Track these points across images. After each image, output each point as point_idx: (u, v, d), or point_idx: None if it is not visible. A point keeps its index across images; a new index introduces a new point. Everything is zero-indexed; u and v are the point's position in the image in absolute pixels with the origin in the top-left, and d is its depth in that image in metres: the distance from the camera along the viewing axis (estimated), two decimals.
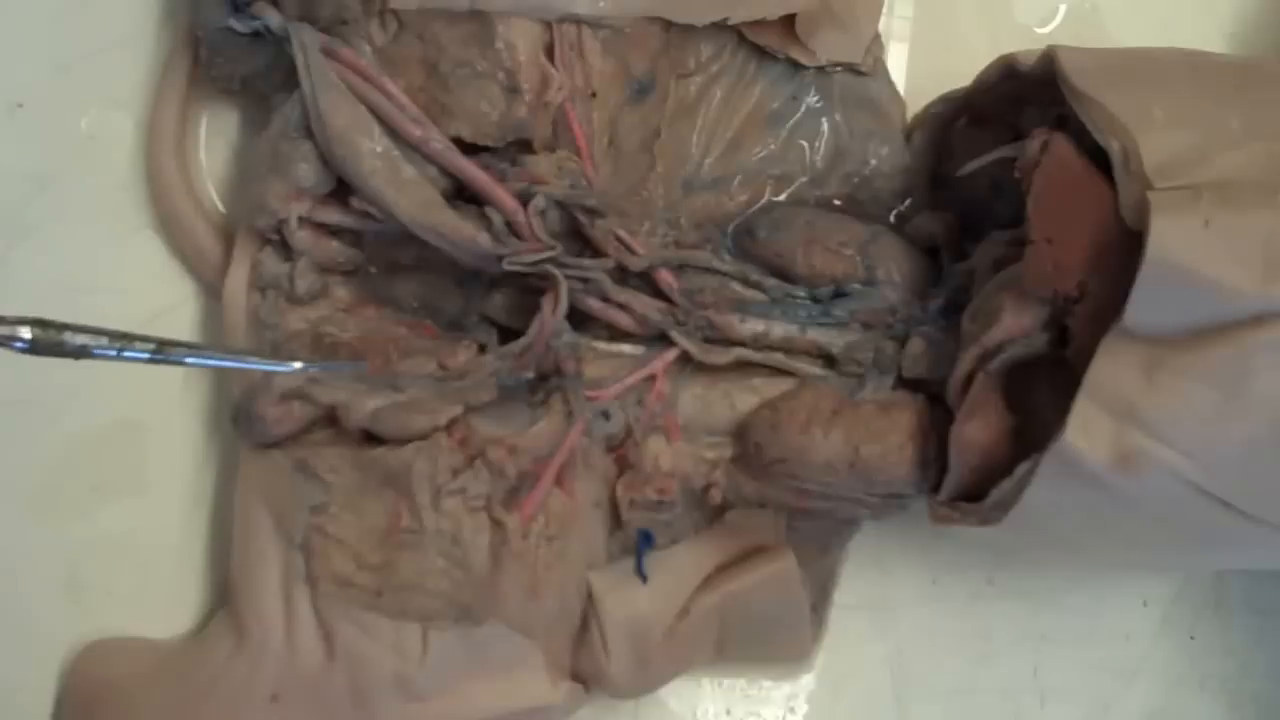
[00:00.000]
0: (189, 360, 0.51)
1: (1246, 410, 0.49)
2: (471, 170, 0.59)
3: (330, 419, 0.58)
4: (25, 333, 0.46)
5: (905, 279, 0.63)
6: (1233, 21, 0.74)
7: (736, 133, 0.65)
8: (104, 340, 0.47)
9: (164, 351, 0.49)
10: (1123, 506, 0.52)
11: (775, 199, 0.65)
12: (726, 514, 0.62)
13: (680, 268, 0.62)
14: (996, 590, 0.71)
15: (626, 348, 0.62)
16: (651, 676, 0.63)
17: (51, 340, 0.47)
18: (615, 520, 0.61)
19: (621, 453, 0.61)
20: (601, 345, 0.62)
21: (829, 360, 0.62)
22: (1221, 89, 0.56)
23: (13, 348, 0.46)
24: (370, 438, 0.58)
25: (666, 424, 0.61)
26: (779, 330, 0.62)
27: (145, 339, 0.49)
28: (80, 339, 0.47)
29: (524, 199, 0.59)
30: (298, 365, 0.56)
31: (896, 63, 0.70)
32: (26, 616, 0.62)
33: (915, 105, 0.66)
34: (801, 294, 0.63)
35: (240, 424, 0.58)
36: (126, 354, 0.48)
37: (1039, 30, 0.73)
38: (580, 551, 0.60)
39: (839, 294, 0.63)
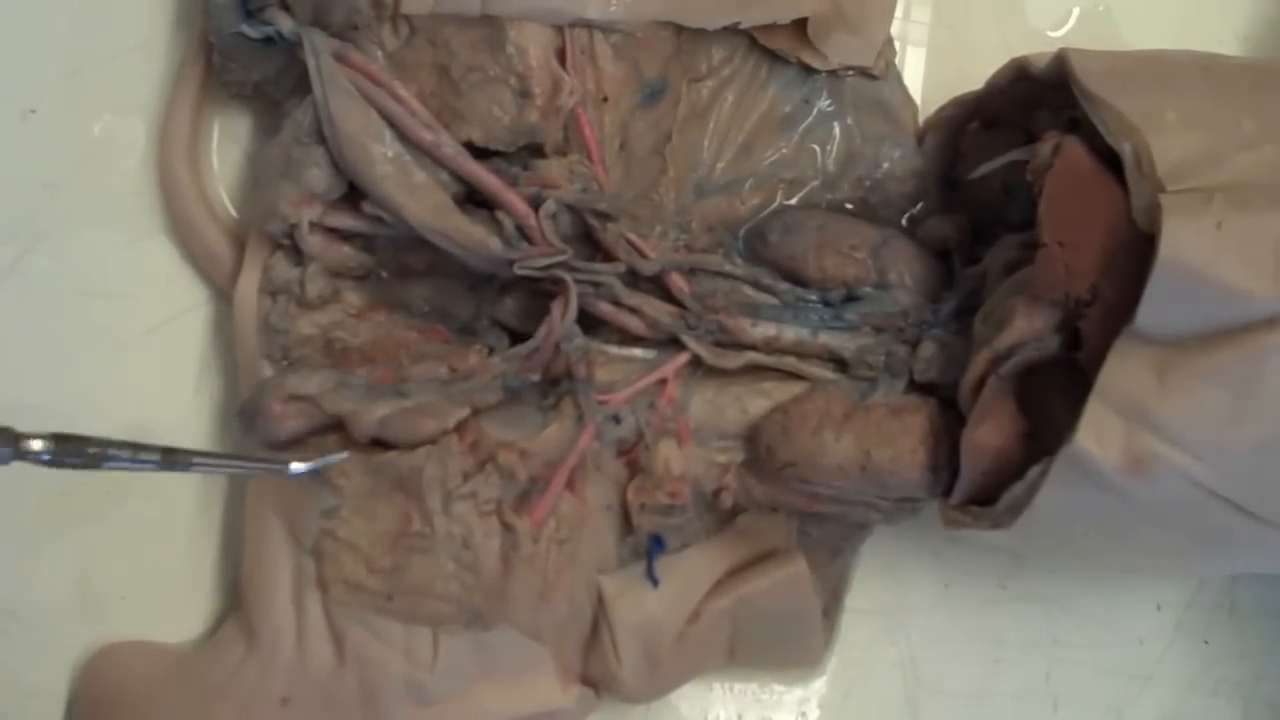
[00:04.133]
0: (196, 464, 0.55)
1: (1258, 413, 0.49)
2: (483, 175, 0.59)
3: (340, 424, 0.58)
4: (43, 449, 0.50)
5: (917, 282, 0.63)
6: (1247, 23, 0.74)
7: (748, 136, 0.65)
8: (116, 449, 0.52)
9: (170, 461, 0.53)
10: (1134, 509, 0.52)
11: (787, 202, 0.65)
12: (738, 518, 0.63)
13: (691, 271, 0.62)
14: (1009, 595, 0.71)
15: (637, 352, 0.62)
16: (662, 681, 0.63)
17: (72, 453, 0.51)
18: (626, 524, 0.61)
19: (632, 456, 0.61)
20: (612, 349, 0.62)
21: (840, 364, 0.62)
22: (1235, 91, 0.55)
23: (39, 461, 0.50)
24: (380, 443, 0.58)
25: (678, 428, 0.61)
26: (790, 334, 0.62)
27: (154, 448, 0.53)
28: (95, 450, 0.51)
29: (535, 203, 0.59)
30: (298, 466, 0.56)
31: (915, 67, 0.70)
32: (39, 620, 0.62)
33: (932, 108, 0.66)
34: (813, 297, 0.63)
35: (246, 421, 0.58)
36: (137, 461, 0.52)
37: (1052, 34, 0.72)
38: (591, 555, 0.60)
39: (850, 297, 0.62)
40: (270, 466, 0.56)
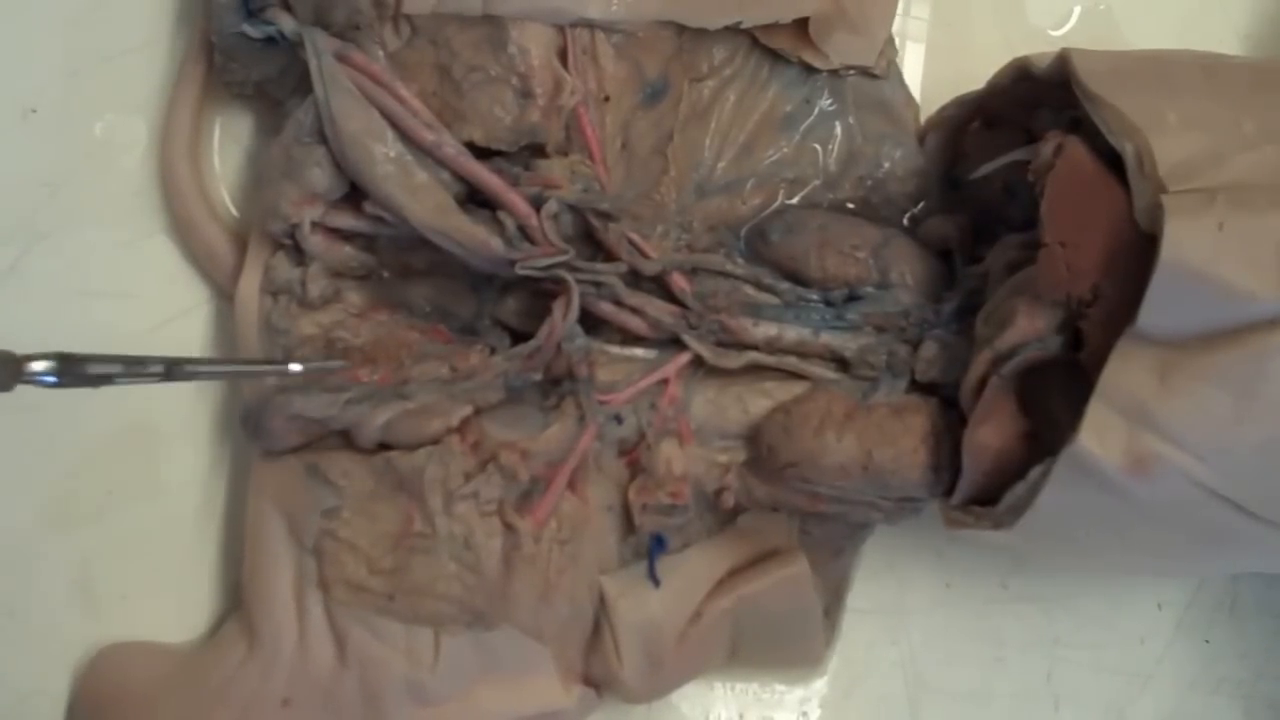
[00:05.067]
0: (201, 373, 0.55)
1: (1260, 413, 0.49)
2: (484, 175, 0.59)
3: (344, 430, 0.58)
4: (46, 370, 0.49)
5: (918, 282, 0.63)
6: (1248, 23, 0.74)
7: (749, 136, 0.65)
8: (119, 367, 0.51)
9: (174, 371, 0.53)
10: (1136, 510, 0.52)
11: (788, 202, 0.65)
12: (739, 518, 0.62)
13: (693, 271, 0.62)
14: (1010, 594, 0.71)
15: (639, 351, 0.62)
16: (664, 680, 0.63)
17: (75, 373, 0.50)
18: (627, 524, 0.61)
19: (634, 456, 0.61)
20: (614, 349, 0.62)
21: (842, 364, 0.62)
22: (1236, 91, 0.55)
23: (42, 383, 0.49)
24: (385, 446, 0.58)
25: (679, 428, 0.61)
26: (792, 333, 0.62)
27: (157, 360, 0.52)
28: (99, 368, 0.50)
29: (537, 203, 0.59)
30: (295, 367, 0.57)
31: (913, 63, 0.70)
32: (40, 620, 0.62)
33: (931, 107, 0.66)
34: (814, 297, 0.63)
35: (249, 430, 0.58)
36: (141, 377, 0.52)
37: (1053, 33, 0.72)
38: (592, 555, 0.60)
39: (852, 297, 0.62)
40: (271, 369, 0.57)
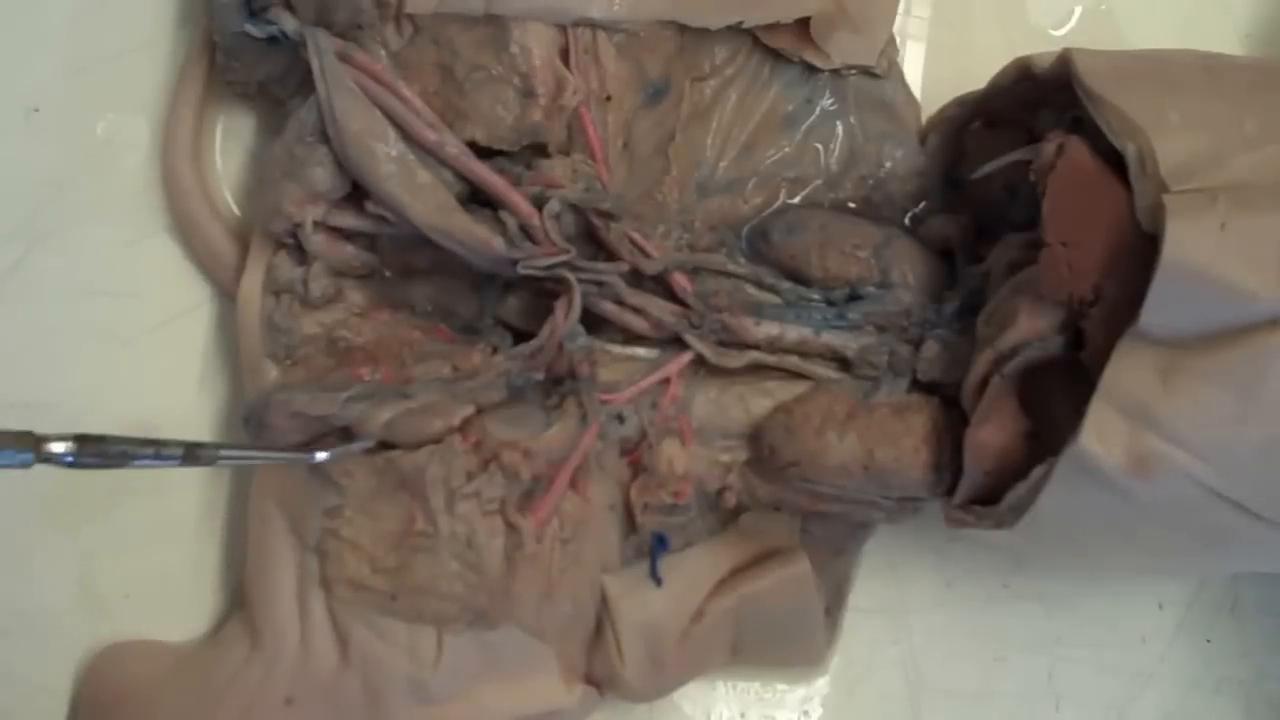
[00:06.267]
0: (220, 458, 0.54)
1: (1262, 413, 0.49)
2: (486, 174, 0.59)
3: (345, 429, 0.58)
4: (65, 451, 0.49)
5: (920, 282, 0.63)
6: (1249, 23, 0.74)
7: (751, 135, 0.65)
8: (138, 447, 0.51)
9: (193, 455, 0.52)
10: (1138, 510, 0.52)
11: (790, 201, 0.65)
12: (741, 517, 0.63)
13: (694, 271, 0.62)
14: (1011, 593, 0.71)
15: (641, 351, 0.62)
16: (666, 679, 0.63)
17: (94, 453, 0.50)
18: (629, 523, 0.61)
19: (636, 456, 0.61)
20: (616, 348, 0.62)
21: (843, 363, 0.62)
22: (1237, 91, 0.55)
23: (61, 463, 0.49)
24: (387, 445, 0.58)
25: (681, 427, 0.61)
26: (793, 333, 0.62)
27: (176, 443, 0.52)
28: (117, 448, 0.50)
29: (538, 203, 0.59)
30: (321, 456, 0.56)
31: (913, 62, 0.70)
32: (43, 619, 0.62)
33: (932, 106, 0.66)
34: (816, 297, 0.63)
35: (251, 428, 0.58)
36: (161, 458, 0.52)
37: (1054, 32, 0.72)
38: (594, 554, 0.60)
39: (853, 297, 0.63)
40: (293, 458, 0.56)
